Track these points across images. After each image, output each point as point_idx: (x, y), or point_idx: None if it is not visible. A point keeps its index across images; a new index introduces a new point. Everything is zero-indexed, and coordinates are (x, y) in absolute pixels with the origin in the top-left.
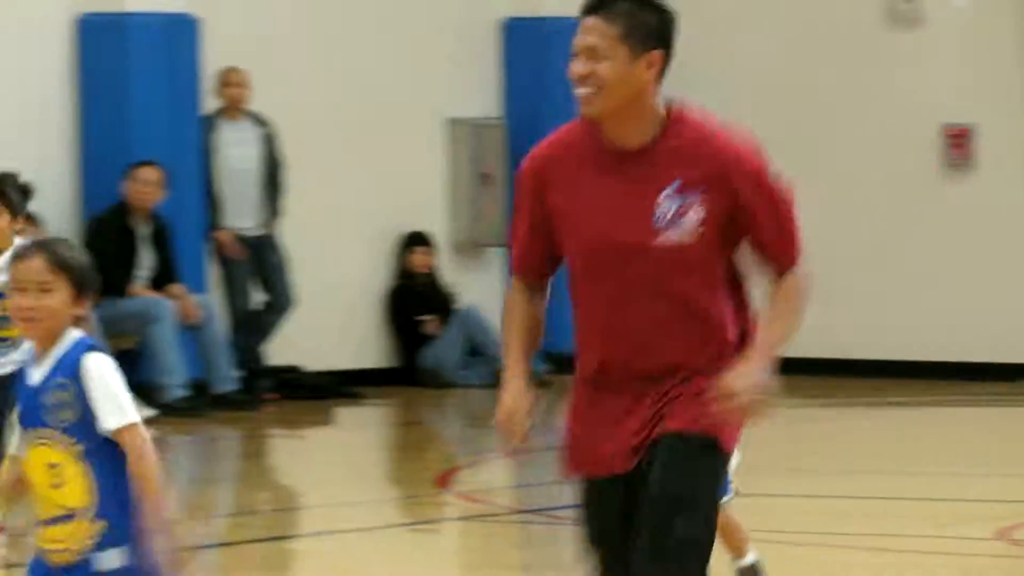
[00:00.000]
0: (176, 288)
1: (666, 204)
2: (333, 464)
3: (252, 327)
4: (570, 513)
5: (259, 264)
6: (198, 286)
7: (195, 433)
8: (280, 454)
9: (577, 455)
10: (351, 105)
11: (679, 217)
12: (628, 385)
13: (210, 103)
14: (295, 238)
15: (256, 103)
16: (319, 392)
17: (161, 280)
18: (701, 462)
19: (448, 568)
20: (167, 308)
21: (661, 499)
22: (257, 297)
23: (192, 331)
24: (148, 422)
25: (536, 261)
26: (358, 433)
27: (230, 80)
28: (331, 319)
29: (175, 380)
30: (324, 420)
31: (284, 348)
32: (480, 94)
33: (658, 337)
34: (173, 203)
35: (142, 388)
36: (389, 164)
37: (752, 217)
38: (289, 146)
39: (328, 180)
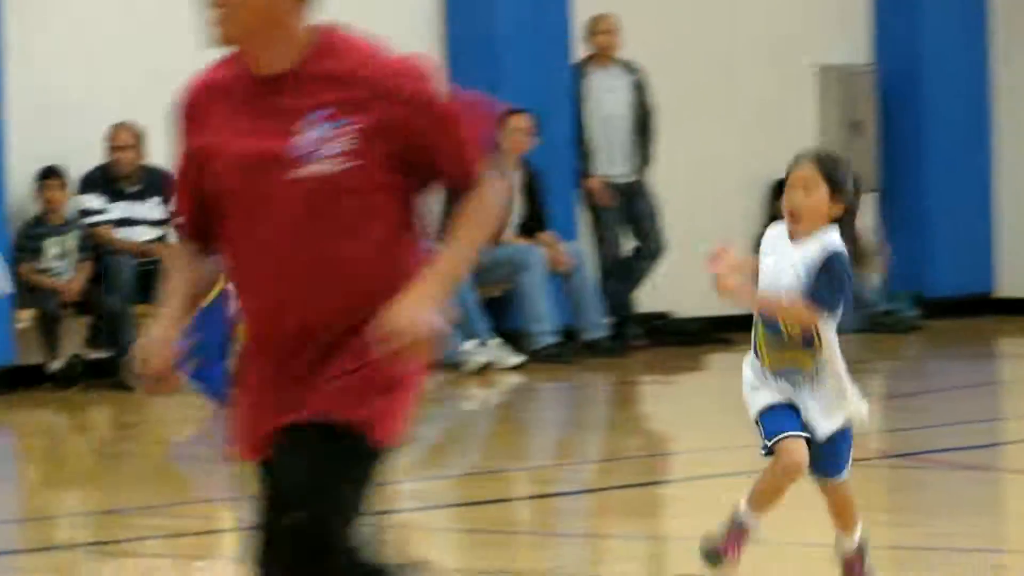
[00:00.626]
0: (546, 235)
1: (308, 132)
2: (703, 410)
3: (622, 274)
4: (941, 457)
5: (629, 211)
6: (568, 233)
7: (564, 380)
8: (649, 400)
9: (239, 432)
10: (721, 52)
11: (322, 146)
12: (281, 350)
13: (580, 50)
14: (665, 184)
15: (626, 50)
16: (689, 338)
17: (531, 227)
18: (327, 462)
19: (820, 512)
20: (537, 255)
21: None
22: (627, 244)
23: (562, 278)
24: (517, 368)
25: (199, 225)
26: (728, 378)
27: (600, 27)
28: (701, 265)
29: (545, 327)
30: (694, 366)
31: (654, 295)
32: (851, 41)
33: (307, 292)
34: (544, 151)
35: (512, 335)
36: (760, 111)
37: (420, 139)
38: (659, 93)
39: (698, 127)
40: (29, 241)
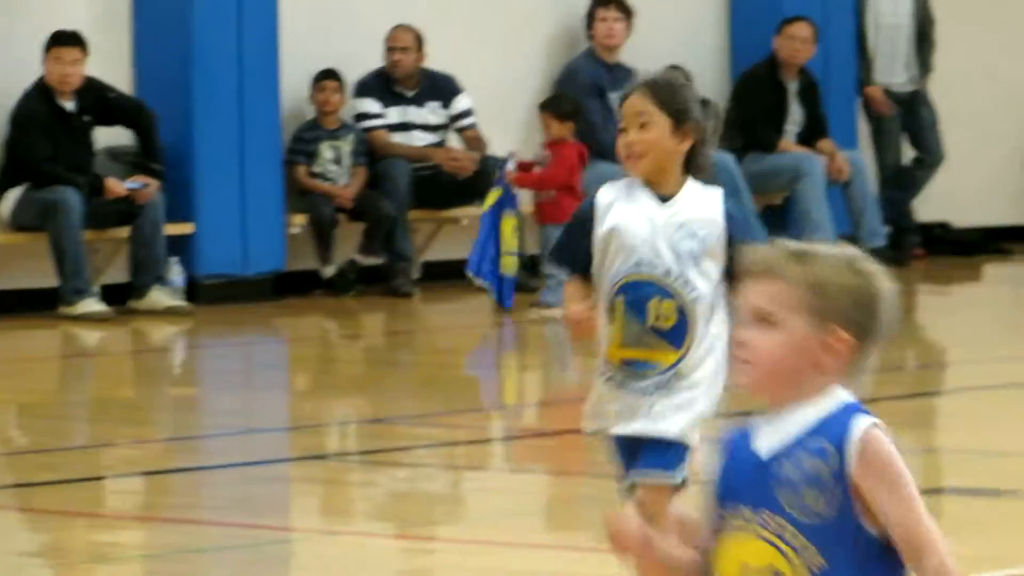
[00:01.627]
0: (826, 144)
1: None
2: (980, 320)
3: (902, 183)
4: None
5: (909, 120)
6: (847, 142)
7: None
8: (927, 310)
9: None
10: None
11: None
12: None
13: None
14: (943, 94)
15: None
16: (967, 248)
17: (810, 136)
18: None
19: None
20: (816, 164)
21: None
22: (907, 153)
23: (841, 187)
24: None
25: None
26: (1006, 289)
27: None
28: (980, 175)
29: (823, 236)
30: (971, 276)
31: (932, 204)
32: None
33: None
34: (824, 59)
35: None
36: None
37: None
38: (937, 2)
39: (975, 36)
40: (303, 144)
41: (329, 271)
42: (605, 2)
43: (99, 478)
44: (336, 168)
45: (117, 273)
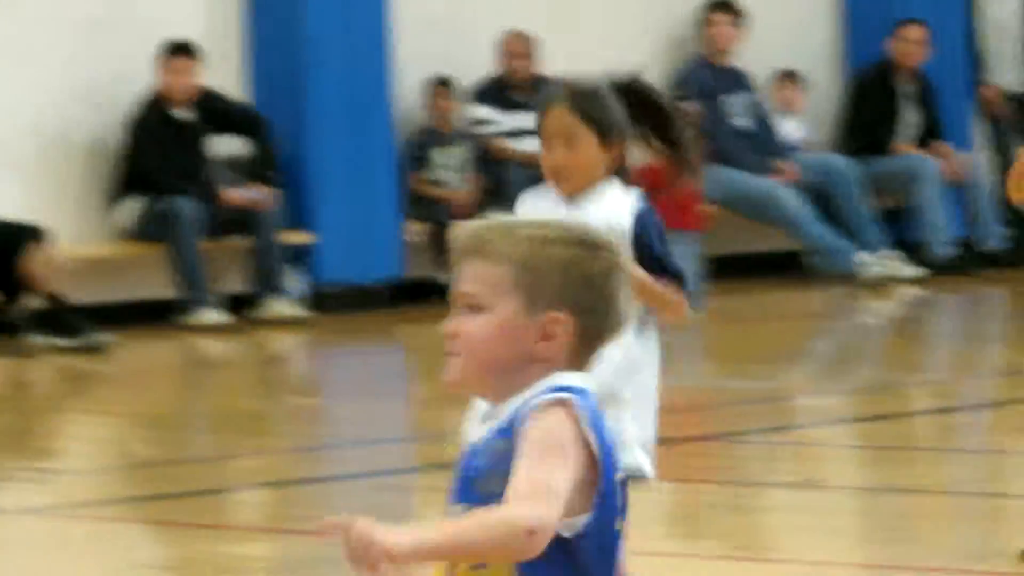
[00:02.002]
0: (941, 146)
1: None
2: None
3: None
4: None
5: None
6: (964, 144)
7: (962, 292)
8: None
9: None
10: None
11: None
12: None
13: None
14: None
15: None
16: None
17: (926, 138)
18: None
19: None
20: (933, 166)
21: None
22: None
23: (958, 189)
24: (914, 282)
25: None
26: None
27: None
28: None
29: (941, 238)
30: None
31: None
32: None
33: None
34: (938, 61)
35: (907, 246)
36: None
37: None
38: None
39: None
40: (418, 151)
41: (446, 278)
42: (717, 6)
43: (223, 490)
44: (451, 175)
45: (236, 282)
